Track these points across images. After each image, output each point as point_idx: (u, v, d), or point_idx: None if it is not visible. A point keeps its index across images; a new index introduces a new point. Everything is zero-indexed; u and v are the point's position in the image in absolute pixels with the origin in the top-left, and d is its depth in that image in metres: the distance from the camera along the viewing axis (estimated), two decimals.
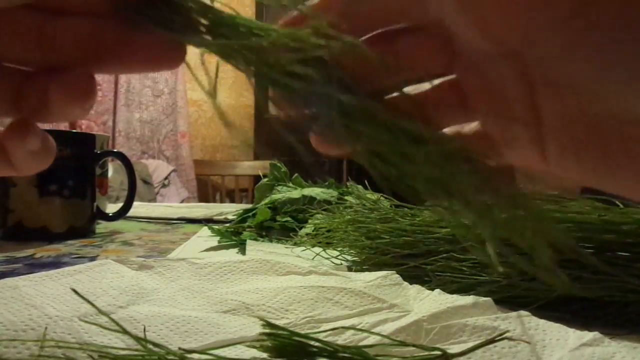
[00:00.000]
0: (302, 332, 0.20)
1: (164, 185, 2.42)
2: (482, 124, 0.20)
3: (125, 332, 0.20)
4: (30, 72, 0.19)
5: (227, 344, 0.24)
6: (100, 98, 2.44)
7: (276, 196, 0.64)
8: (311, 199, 0.61)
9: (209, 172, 2.45)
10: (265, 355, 0.19)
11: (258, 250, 0.50)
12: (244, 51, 0.16)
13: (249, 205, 0.68)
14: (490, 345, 0.24)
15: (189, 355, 0.19)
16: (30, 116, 0.19)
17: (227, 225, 0.64)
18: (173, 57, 0.18)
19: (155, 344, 0.20)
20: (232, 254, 0.53)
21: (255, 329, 0.24)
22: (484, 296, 0.30)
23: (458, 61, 0.19)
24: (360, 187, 0.63)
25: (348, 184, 0.66)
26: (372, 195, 0.56)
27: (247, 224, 0.62)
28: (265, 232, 0.60)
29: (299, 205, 0.61)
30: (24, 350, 0.23)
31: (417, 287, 0.34)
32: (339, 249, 0.46)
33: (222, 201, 2.35)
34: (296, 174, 0.70)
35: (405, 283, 0.35)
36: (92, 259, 0.49)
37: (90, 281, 0.33)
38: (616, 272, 0.31)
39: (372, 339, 0.24)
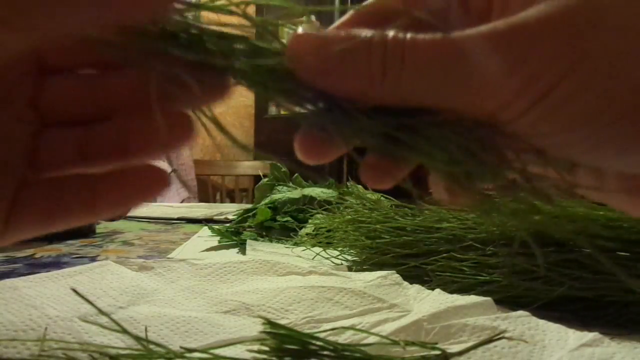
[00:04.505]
0: (303, 332, 0.20)
1: None
2: None
3: (125, 332, 0.20)
4: None
5: (227, 343, 0.24)
6: None
7: (276, 196, 0.64)
8: (311, 199, 0.61)
9: (209, 172, 2.45)
10: (265, 355, 0.19)
11: (258, 250, 0.50)
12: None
13: (249, 205, 0.68)
14: (490, 345, 0.24)
15: (189, 355, 0.19)
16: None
17: (227, 225, 0.64)
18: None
19: (155, 344, 0.20)
20: (232, 254, 0.53)
21: (255, 329, 0.24)
22: (484, 296, 0.30)
23: None
24: (360, 187, 0.63)
25: (348, 184, 0.66)
26: (372, 195, 0.56)
27: (247, 223, 0.62)
28: (265, 232, 0.60)
29: (299, 205, 0.61)
30: (24, 350, 0.23)
31: (417, 287, 0.34)
32: (339, 248, 0.46)
33: (222, 201, 2.34)
34: (296, 174, 0.70)
35: (405, 283, 0.35)
36: (92, 259, 0.49)
37: (90, 282, 0.33)
38: (616, 272, 0.31)
39: (372, 339, 0.24)
